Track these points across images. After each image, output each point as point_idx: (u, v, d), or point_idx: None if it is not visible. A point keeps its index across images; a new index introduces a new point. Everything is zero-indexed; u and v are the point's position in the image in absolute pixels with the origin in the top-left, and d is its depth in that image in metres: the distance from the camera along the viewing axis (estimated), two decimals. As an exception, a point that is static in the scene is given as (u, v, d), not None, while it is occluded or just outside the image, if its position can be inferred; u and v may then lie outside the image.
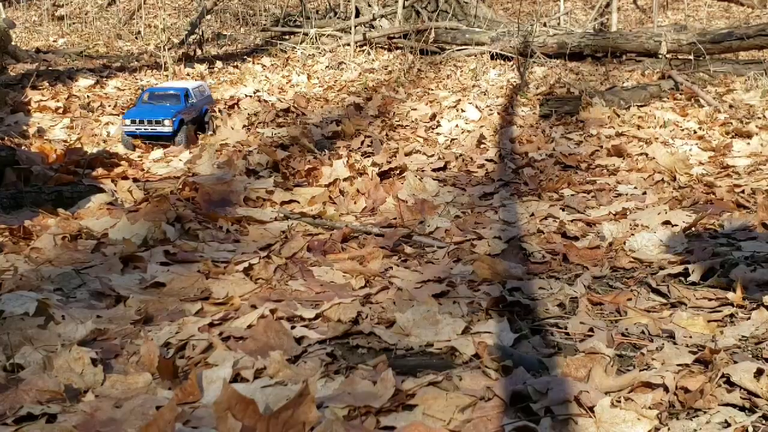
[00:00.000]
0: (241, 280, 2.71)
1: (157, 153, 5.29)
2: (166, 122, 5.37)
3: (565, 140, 5.54)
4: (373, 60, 9.60)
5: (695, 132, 5.56)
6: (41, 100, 6.53)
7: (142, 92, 5.92)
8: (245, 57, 10.05)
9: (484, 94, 7.52)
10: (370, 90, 7.78)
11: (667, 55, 8.27)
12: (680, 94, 6.81)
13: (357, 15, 10.68)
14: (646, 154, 4.90)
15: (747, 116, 5.83)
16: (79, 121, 6.09)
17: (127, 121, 5.41)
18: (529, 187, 4.43)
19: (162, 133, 5.39)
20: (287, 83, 8.19)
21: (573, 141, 5.53)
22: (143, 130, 5.40)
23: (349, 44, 9.87)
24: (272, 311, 2.34)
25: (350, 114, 6.56)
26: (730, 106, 6.18)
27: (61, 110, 6.37)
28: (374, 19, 10.82)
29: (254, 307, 2.43)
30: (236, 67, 9.22)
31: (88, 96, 7.08)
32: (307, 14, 12.09)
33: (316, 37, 10.21)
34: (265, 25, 12.75)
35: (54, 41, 12.26)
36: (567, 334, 2.19)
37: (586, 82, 7.85)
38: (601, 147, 5.25)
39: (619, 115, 6.20)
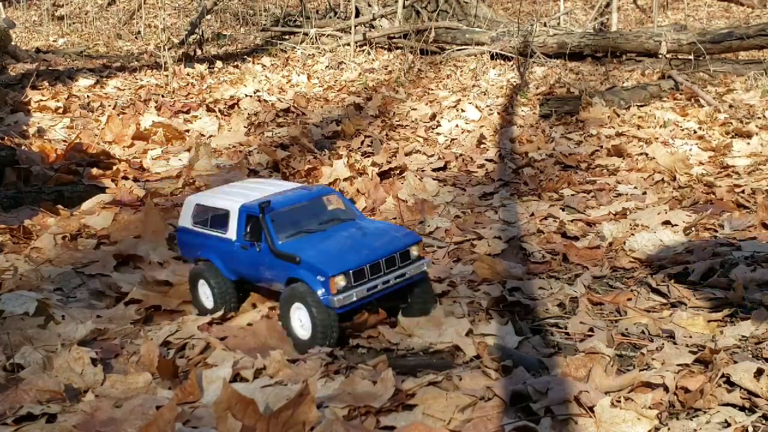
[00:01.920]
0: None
1: (156, 151, 5.22)
2: (414, 250, 2.41)
3: (565, 140, 5.54)
4: (373, 60, 9.60)
5: (695, 132, 5.56)
6: (41, 100, 6.53)
7: (261, 208, 2.32)
8: (245, 57, 10.05)
9: (484, 94, 7.52)
10: (370, 90, 7.78)
11: (667, 55, 8.24)
12: (680, 93, 6.81)
13: (357, 15, 10.68)
14: (646, 154, 4.90)
15: (747, 116, 5.82)
16: (79, 121, 6.09)
17: (340, 280, 2.20)
18: (529, 187, 4.43)
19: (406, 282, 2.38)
20: (287, 83, 8.19)
21: (573, 141, 5.53)
22: (380, 285, 2.29)
23: (349, 44, 9.87)
24: (272, 309, 2.33)
25: (350, 114, 6.56)
26: (730, 106, 6.18)
27: (61, 110, 6.37)
28: (374, 19, 10.82)
29: (254, 306, 2.43)
30: (236, 66, 9.22)
31: (88, 96, 7.08)
32: (307, 14, 12.09)
33: (316, 37, 10.21)
34: (265, 25, 12.75)
35: (54, 41, 12.26)
36: (567, 334, 2.19)
37: (586, 82, 7.84)
38: (601, 147, 5.25)
39: (619, 115, 6.20)
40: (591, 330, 2.18)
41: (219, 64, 9.24)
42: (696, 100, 6.49)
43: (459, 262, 2.97)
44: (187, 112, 6.44)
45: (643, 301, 2.39)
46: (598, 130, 5.73)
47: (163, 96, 7.16)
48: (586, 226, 3.49)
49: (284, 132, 5.84)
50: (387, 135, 5.95)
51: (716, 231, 3.13)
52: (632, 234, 3.17)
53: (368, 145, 5.61)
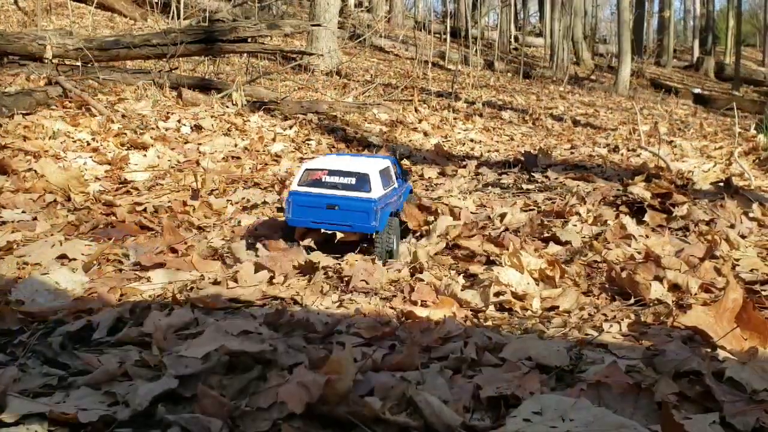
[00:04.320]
0: None
1: None
2: None
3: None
4: None
5: (89, 143, 5.10)
6: None
7: None
8: None
9: None
10: None
11: (54, 60, 7.62)
12: (70, 101, 6.25)
13: None
14: (36, 171, 4.20)
15: (141, 127, 5.68)
16: None
17: None
18: None
19: None
20: None
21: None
22: None
23: None
24: None
25: None
26: (123, 116, 5.95)
27: None
28: None
29: None
30: None
31: None
32: None
33: None
34: None
35: None
36: None
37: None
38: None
39: (1, 125, 5.28)
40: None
41: None
42: (87, 108, 6.04)
43: None
44: None
45: (35, 378, 1.76)
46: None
47: None
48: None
49: None
50: None
51: (122, 263, 2.71)
52: (20, 278, 2.48)
53: None
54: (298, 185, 2.94)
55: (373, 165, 3.06)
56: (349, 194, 2.90)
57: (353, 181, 2.93)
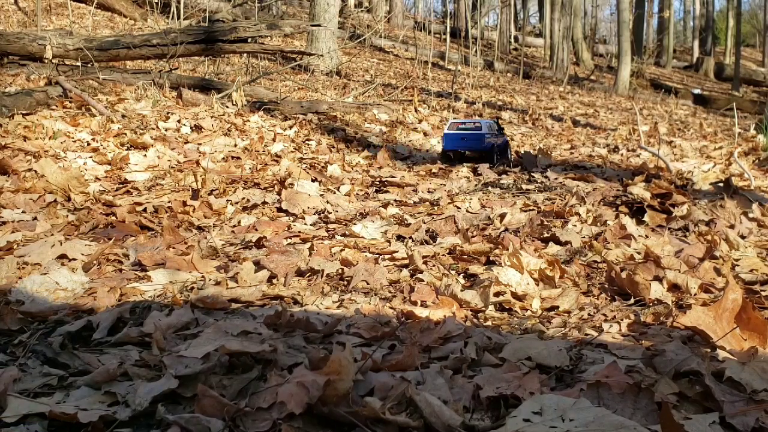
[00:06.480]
0: None
1: None
2: None
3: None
4: None
5: (89, 143, 5.10)
6: None
7: None
8: None
9: None
10: None
11: (54, 60, 7.62)
12: (70, 102, 6.26)
13: None
14: (36, 171, 4.20)
15: (141, 127, 5.68)
16: None
17: None
18: None
19: None
20: None
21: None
22: None
23: None
24: None
25: None
26: (123, 116, 5.95)
27: None
28: None
29: None
30: None
31: None
32: None
33: None
34: None
35: None
36: None
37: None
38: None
39: (1, 125, 5.28)
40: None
41: None
42: (87, 108, 6.04)
43: None
44: None
45: (35, 378, 1.76)
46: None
47: None
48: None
49: None
50: None
51: (122, 263, 2.71)
52: (20, 278, 2.48)
53: None
54: (447, 130, 6.18)
55: (482, 120, 6.32)
56: (472, 132, 6.12)
57: (473, 126, 6.20)
